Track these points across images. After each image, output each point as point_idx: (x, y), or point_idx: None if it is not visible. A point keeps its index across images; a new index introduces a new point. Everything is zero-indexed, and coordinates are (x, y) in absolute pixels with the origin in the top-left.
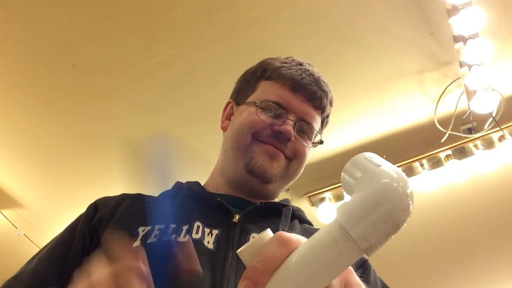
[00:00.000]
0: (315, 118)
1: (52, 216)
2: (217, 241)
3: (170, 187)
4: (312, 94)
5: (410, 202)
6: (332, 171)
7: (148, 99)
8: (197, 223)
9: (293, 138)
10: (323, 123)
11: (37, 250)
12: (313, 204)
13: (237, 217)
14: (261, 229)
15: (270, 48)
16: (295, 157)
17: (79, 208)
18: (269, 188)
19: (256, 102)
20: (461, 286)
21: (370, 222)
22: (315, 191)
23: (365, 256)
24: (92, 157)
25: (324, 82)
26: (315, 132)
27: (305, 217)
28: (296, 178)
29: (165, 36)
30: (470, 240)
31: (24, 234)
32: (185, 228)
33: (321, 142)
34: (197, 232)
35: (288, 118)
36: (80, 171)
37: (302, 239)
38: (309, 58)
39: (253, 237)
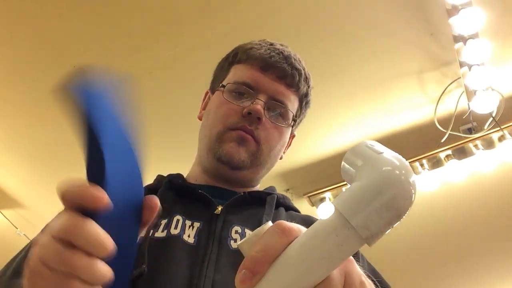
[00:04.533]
0: (289, 97)
1: (52, 216)
2: (198, 234)
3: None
4: (282, 72)
5: (413, 191)
6: (332, 171)
7: (148, 99)
8: (177, 217)
9: (264, 117)
10: (302, 103)
11: None
12: (313, 204)
13: (219, 209)
14: (244, 220)
15: None
16: (266, 140)
17: None
18: (242, 175)
19: (223, 85)
20: (461, 286)
21: (371, 211)
22: (315, 191)
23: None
24: None
25: (296, 60)
26: (290, 112)
27: (291, 204)
28: (275, 162)
29: (165, 36)
30: (470, 240)
31: (24, 234)
32: (163, 222)
33: (294, 121)
34: (176, 227)
35: (257, 98)
36: (80, 171)
37: (303, 228)
38: (308, 58)
39: (236, 231)
